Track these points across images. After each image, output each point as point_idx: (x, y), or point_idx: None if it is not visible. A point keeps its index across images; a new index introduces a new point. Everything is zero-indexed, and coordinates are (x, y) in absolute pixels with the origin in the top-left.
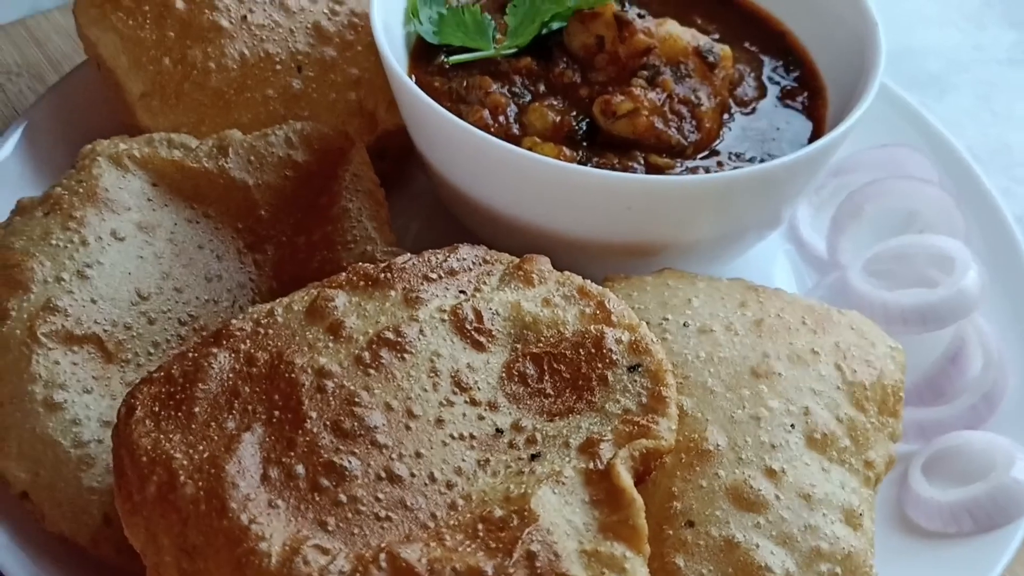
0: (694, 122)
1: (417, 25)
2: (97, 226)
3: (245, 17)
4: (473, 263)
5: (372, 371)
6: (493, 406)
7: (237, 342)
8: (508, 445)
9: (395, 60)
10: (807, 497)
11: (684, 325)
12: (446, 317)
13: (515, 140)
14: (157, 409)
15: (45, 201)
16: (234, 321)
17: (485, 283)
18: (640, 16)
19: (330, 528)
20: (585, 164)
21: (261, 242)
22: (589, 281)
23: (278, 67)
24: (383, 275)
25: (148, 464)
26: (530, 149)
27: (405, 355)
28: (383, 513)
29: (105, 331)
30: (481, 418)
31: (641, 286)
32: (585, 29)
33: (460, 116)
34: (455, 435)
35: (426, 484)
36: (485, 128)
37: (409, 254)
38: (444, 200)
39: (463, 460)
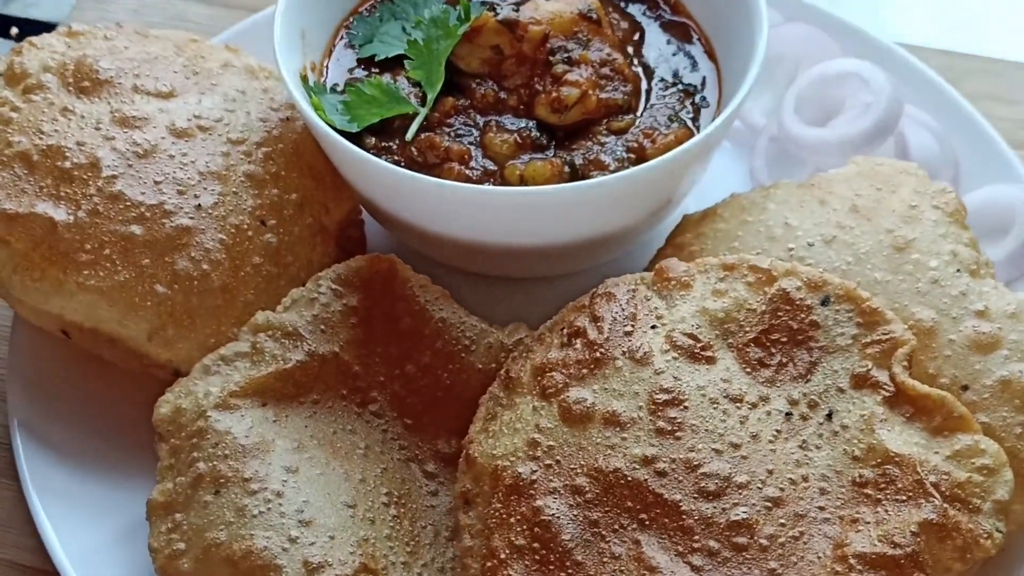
0: (620, 77)
1: (329, 122)
2: (271, 474)
3: (199, 206)
4: (630, 298)
5: (678, 432)
6: (765, 399)
7: (544, 484)
8: (802, 419)
9: (347, 142)
10: (1013, 315)
11: (810, 245)
12: (675, 354)
13: (500, 174)
14: None
15: (198, 484)
16: (520, 472)
17: (656, 309)
18: (515, 9)
19: (779, 571)
20: (572, 163)
21: (366, 394)
22: (722, 256)
23: (249, 232)
24: (597, 353)
25: None
26: (522, 178)
27: (685, 405)
28: (795, 532)
29: (362, 555)
30: (769, 414)
31: (727, 237)
32: (476, 47)
33: None
34: (771, 439)
35: (794, 490)
36: (468, 179)
37: (585, 319)
38: (436, 255)
39: (792, 454)
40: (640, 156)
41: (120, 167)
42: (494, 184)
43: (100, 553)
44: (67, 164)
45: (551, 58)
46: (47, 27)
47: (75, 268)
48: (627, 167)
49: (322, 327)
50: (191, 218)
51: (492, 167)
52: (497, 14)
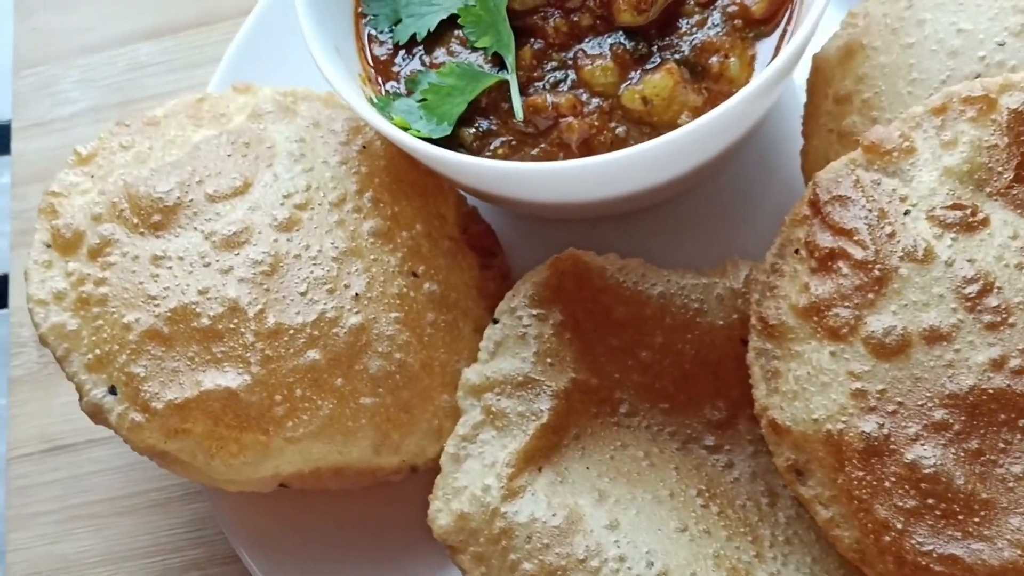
0: None
1: (420, 133)
2: (600, 541)
3: (356, 295)
4: (862, 192)
5: (1009, 318)
6: None
7: (901, 434)
8: None
9: (461, 156)
10: None
11: (1000, 45)
12: (952, 234)
13: (617, 104)
14: (960, 534)
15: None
16: (865, 430)
17: (895, 191)
18: None
19: None
20: (686, 61)
21: (611, 399)
22: (922, 103)
23: (411, 293)
24: (875, 271)
25: None
26: (645, 100)
27: (996, 285)
28: None
29: (726, 572)
30: None
31: (899, 69)
32: None
33: (565, 145)
34: None
35: None
36: (589, 128)
37: (827, 236)
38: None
39: None
40: (746, 17)
41: (260, 297)
42: (619, 121)
43: None
44: (205, 321)
45: None
46: None
47: (276, 425)
48: (739, 37)
49: (548, 360)
50: (356, 313)
51: (605, 104)
52: None
